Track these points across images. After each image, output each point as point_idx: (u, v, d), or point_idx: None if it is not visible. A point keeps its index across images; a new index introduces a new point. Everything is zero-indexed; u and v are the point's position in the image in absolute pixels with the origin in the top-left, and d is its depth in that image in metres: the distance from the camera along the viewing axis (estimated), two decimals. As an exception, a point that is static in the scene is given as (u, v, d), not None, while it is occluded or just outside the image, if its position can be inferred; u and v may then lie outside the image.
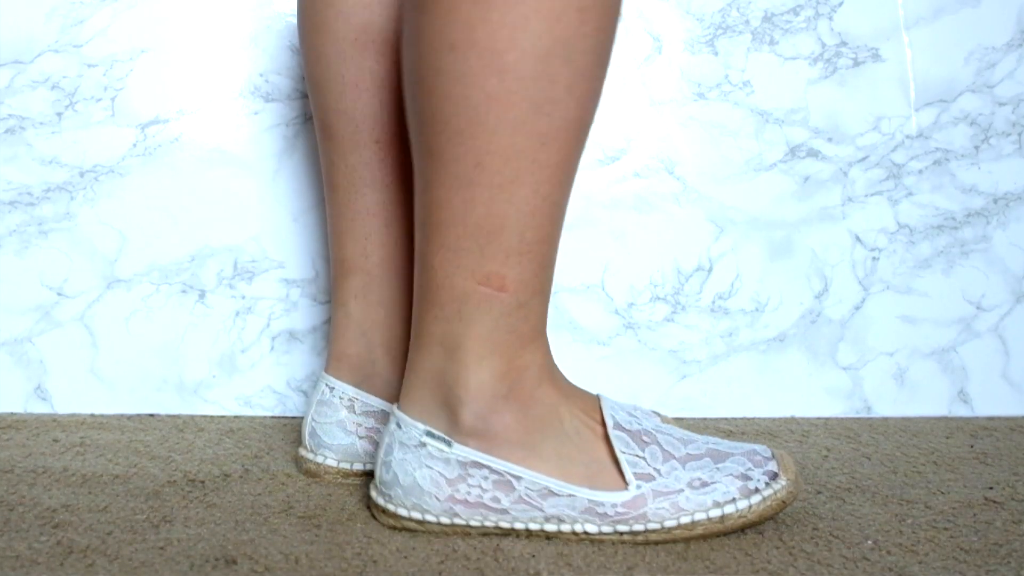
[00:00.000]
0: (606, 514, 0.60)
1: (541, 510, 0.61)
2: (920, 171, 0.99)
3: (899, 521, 0.67)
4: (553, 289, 0.96)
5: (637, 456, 0.61)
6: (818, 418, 0.98)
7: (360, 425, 0.74)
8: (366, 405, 0.74)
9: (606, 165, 0.97)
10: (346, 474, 0.73)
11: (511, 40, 0.54)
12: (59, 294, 0.93)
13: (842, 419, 0.98)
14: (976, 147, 0.99)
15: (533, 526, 0.62)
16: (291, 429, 0.90)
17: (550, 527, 0.61)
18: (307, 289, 0.95)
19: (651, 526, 0.60)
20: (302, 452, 0.75)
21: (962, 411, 1.00)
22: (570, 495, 0.61)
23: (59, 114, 0.92)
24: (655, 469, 0.61)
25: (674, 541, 0.61)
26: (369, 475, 0.73)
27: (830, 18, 0.97)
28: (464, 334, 0.61)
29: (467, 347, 0.61)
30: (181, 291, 0.94)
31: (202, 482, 0.72)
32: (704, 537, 0.61)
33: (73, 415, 0.92)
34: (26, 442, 0.82)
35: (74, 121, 0.92)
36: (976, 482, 0.77)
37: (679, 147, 0.97)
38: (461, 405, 0.61)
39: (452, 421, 0.62)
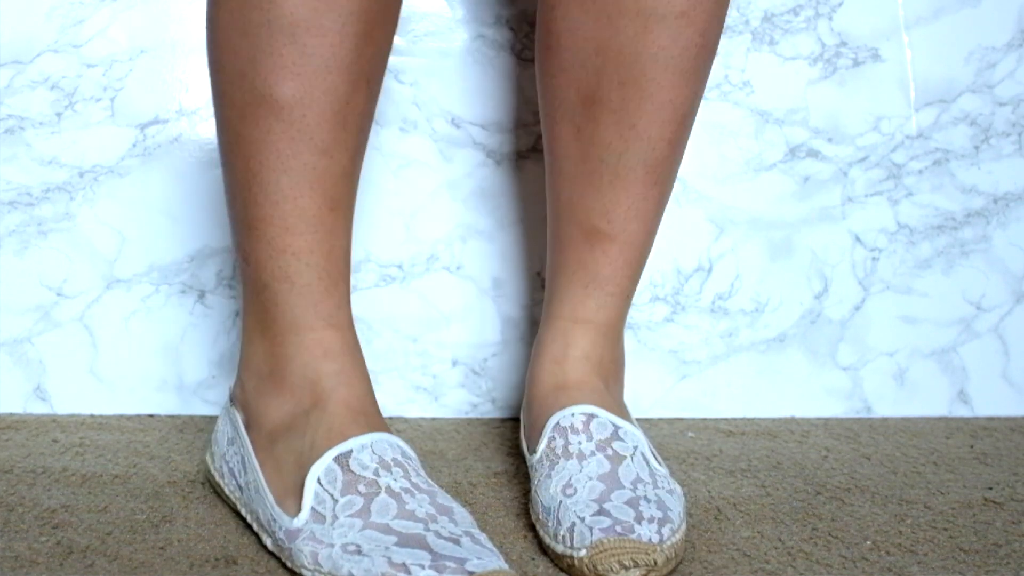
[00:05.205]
0: (275, 533, 0.58)
1: (252, 505, 0.62)
2: (920, 171, 0.99)
3: (899, 521, 0.67)
4: (553, 289, 0.96)
5: (330, 495, 0.56)
6: (818, 418, 0.98)
7: None
8: None
9: (606, 165, 0.96)
10: None
11: None
12: (59, 294, 0.93)
13: (842, 419, 0.98)
14: (976, 147, 0.99)
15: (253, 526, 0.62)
16: (291, 429, 0.90)
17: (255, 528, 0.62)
18: (307, 289, 0.95)
19: (290, 564, 0.56)
20: None
21: (962, 411, 1.00)
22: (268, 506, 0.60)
23: (59, 114, 0.92)
24: (333, 515, 0.55)
25: None
26: None
27: (830, 18, 0.97)
28: (246, 302, 0.65)
29: (245, 317, 0.65)
30: (181, 291, 0.94)
31: (202, 482, 0.72)
32: None
33: (73, 415, 0.92)
34: (26, 442, 0.82)
35: (74, 121, 0.92)
36: (976, 482, 0.77)
37: (679, 147, 0.97)
38: (245, 371, 0.66)
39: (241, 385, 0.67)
